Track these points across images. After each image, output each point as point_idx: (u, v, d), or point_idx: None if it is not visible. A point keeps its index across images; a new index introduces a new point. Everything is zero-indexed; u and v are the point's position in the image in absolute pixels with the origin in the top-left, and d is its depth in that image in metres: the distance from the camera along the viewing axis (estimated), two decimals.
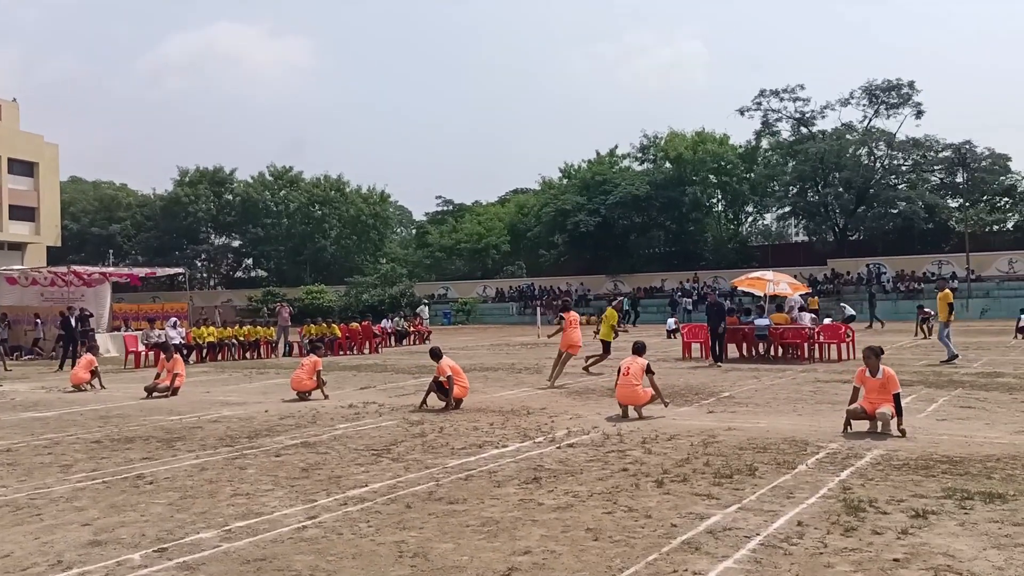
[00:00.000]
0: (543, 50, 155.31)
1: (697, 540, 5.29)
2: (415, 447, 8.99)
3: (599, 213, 55.75)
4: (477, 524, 5.84)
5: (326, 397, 13.66)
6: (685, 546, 5.17)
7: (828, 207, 55.15)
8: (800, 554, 4.97)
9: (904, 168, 54.48)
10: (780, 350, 19.60)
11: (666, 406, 10.90)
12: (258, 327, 27.19)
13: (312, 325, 26.99)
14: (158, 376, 15.11)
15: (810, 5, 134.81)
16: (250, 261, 78.89)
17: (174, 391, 14.74)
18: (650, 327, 41.79)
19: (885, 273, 49.74)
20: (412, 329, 32.31)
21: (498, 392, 14.10)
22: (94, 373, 16.46)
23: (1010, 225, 53.49)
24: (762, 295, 20.97)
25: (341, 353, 26.05)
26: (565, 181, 70.18)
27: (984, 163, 52.22)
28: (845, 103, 56.01)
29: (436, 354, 12.25)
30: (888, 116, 55.67)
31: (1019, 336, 25.23)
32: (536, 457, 8.24)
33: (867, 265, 51.53)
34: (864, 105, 55.76)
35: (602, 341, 17.94)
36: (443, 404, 11.96)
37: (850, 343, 19.70)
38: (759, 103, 57.15)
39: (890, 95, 54.51)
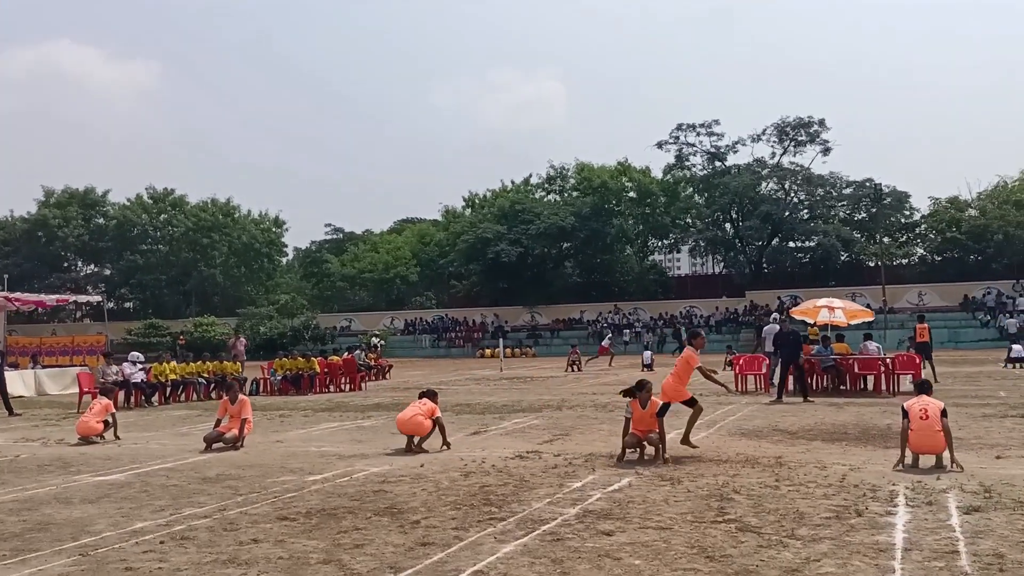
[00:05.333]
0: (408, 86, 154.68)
1: None
2: (746, 513, 6.97)
3: (521, 243, 54.38)
4: None
5: (447, 446, 11.21)
6: None
7: (743, 240, 56.09)
8: None
9: (814, 203, 56.21)
10: (849, 382, 18.56)
11: (953, 463, 9.05)
12: (224, 362, 23.74)
13: (286, 359, 23.85)
14: (219, 423, 12.13)
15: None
16: (125, 290, 72.10)
17: (242, 441, 11.83)
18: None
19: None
20: (374, 363, 29.44)
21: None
22: (107, 424, 13.18)
23: (916, 259, 56.08)
24: (813, 323, 20.00)
25: (318, 391, 23.10)
26: (469, 211, 68.81)
27: (887, 200, 54.57)
28: (756, 139, 57.59)
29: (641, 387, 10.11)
30: (795, 153, 57.60)
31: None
32: (949, 526, 6.40)
33: (779, 298, 52.40)
34: (774, 142, 57.48)
35: None
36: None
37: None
38: (676, 137, 57.80)
39: (799, 132, 56.34)
